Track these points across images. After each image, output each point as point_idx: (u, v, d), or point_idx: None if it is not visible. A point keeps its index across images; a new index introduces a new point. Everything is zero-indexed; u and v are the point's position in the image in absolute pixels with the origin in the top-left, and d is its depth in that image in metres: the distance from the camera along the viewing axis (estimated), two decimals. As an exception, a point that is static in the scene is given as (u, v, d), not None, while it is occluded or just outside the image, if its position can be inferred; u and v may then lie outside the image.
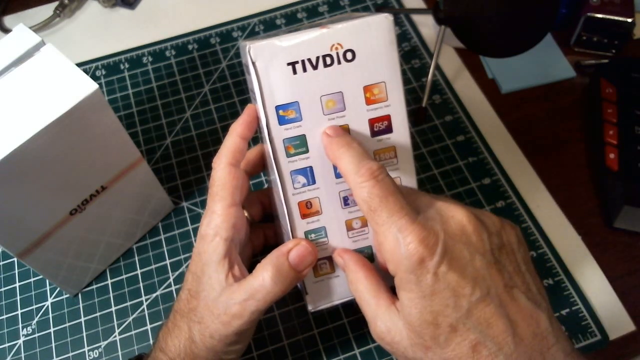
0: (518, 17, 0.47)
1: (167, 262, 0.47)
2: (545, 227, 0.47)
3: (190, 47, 0.60)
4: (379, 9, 0.62)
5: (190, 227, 0.49)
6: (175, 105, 0.56)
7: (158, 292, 0.46)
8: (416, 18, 0.62)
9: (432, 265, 0.27)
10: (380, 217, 0.28)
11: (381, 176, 0.29)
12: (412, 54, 0.59)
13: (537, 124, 0.53)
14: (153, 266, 0.47)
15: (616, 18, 0.53)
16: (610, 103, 0.51)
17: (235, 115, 0.54)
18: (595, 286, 0.44)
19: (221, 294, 0.32)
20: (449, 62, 0.58)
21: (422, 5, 0.63)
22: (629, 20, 0.53)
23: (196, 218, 0.49)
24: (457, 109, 0.54)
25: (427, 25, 0.61)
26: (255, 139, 0.35)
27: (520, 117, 0.54)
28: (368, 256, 0.34)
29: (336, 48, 0.31)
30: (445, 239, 0.28)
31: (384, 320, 0.29)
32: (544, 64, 0.57)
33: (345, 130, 0.32)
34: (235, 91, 0.56)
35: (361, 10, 0.63)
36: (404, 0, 0.63)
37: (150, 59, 0.60)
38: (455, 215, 0.29)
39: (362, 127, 0.33)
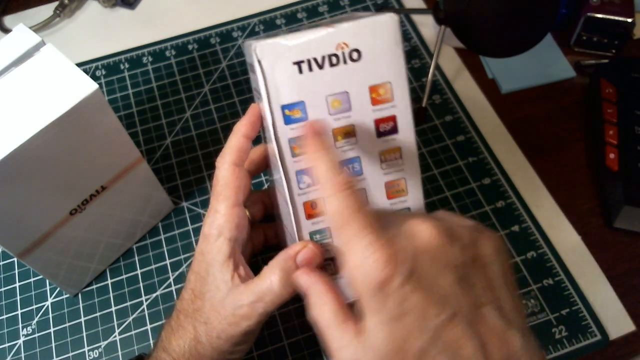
0: (518, 17, 0.47)
1: (167, 262, 0.47)
2: (545, 227, 0.47)
3: (190, 47, 0.60)
4: (379, 8, 0.62)
5: (190, 227, 0.49)
6: (175, 105, 0.56)
7: (158, 292, 0.46)
8: (416, 18, 0.62)
9: (396, 285, 0.25)
10: (349, 230, 0.27)
11: (353, 189, 0.28)
12: (412, 54, 0.59)
13: (537, 124, 0.53)
14: (153, 266, 0.47)
15: (616, 18, 0.53)
16: (610, 103, 0.51)
17: (235, 115, 0.54)
18: (595, 286, 0.44)
19: (228, 295, 0.32)
20: (449, 62, 0.58)
21: (422, 5, 0.63)
22: (629, 20, 0.53)
23: (196, 218, 0.49)
24: (457, 109, 0.54)
25: (427, 25, 0.61)
26: (256, 138, 0.35)
27: (520, 117, 0.54)
28: None
29: (342, 47, 0.31)
30: (411, 257, 0.26)
31: (351, 351, 0.27)
32: (544, 64, 0.56)
33: (351, 131, 0.32)
34: (235, 91, 0.56)
35: (361, 10, 0.63)
36: (404, 0, 0.63)
37: (150, 59, 0.60)
38: (422, 230, 0.27)
39: (367, 127, 0.32)
